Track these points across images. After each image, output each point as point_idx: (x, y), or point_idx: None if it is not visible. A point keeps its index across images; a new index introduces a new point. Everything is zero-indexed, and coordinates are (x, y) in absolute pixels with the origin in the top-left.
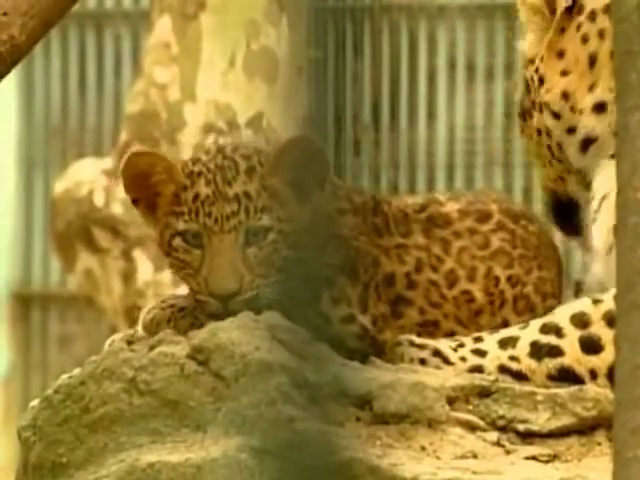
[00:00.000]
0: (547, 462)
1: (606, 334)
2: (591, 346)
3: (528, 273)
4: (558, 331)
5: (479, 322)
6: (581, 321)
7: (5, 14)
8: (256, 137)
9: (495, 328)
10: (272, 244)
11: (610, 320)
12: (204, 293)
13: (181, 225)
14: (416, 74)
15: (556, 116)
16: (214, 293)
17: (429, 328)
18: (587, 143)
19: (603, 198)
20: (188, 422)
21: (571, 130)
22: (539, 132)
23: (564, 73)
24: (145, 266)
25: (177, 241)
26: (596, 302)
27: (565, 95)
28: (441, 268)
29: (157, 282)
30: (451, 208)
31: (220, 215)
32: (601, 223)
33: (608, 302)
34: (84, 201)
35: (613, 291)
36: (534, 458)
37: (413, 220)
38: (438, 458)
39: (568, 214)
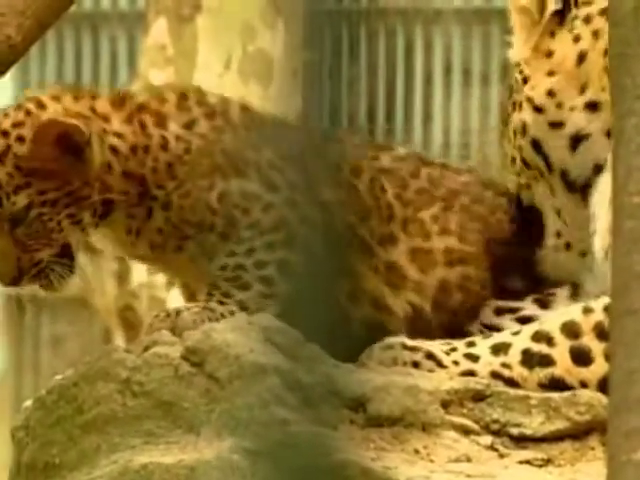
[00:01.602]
0: (541, 466)
1: (596, 347)
2: (581, 358)
3: (427, 205)
4: (549, 340)
5: (370, 225)
6: (572, 331)
7: (1, 14)
8: None
9: (383, 241)
10: (37, 217)
11: (600, 332)
12: None
13: None
14: (412, 78)
15: (538, 110)
16: None
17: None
18: (577, 140)
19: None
20: (181, 423)
21: (556, 125)
22: (515, 133)
23: (551, 73)
24: (139, 267)
25: None
26: (586, 311)
27: (551, 93)
28: None
29: (151, 284)
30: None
31: None
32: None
33: (598, 312)
34: None
35: (604, 300)
36: (528, 462)
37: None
38: (432, 461)
39: (531, 223)
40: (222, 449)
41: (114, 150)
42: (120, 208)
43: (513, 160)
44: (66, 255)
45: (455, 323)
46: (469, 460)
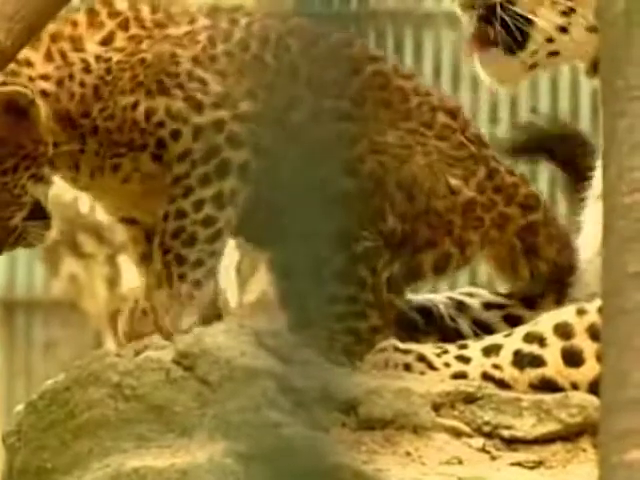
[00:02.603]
0: (532, 468)
1: (588, 347)
2: (572, 358)
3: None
4: (541, 341)
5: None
6: (564, 332)
7: None
8: None
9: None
10: (2, 188)
11: (594, 334)
12: None
13: None
14: None
15: None
16: None
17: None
18: None
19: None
20: (174, 427)
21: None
22: None
23: None
24: (130, 272)
25: None
26: (580, 313)
27: None
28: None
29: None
30: None
31: None
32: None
33: (592, 314)
34: (69, 206)
35: (598, 302)
36: (519, 464)
37: None
38: (423, 464)
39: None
40: (214, 452)
41: (44, 94)
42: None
43: None
44: (38, 212)
45: None
46: (461, 462)
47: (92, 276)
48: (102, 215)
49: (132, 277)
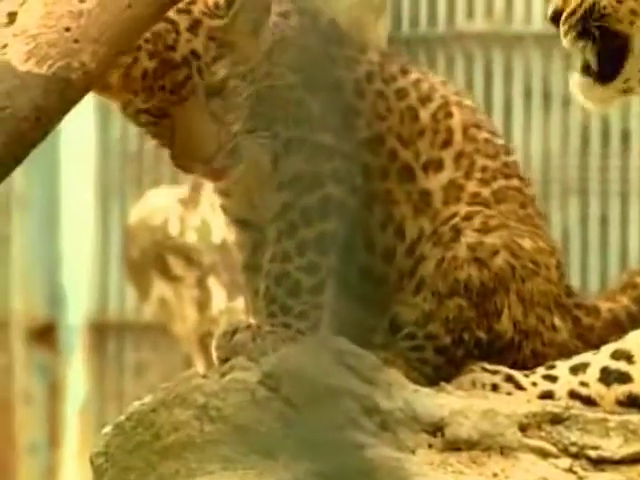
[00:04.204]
0: None
1: None
2: None
3: (487, 156)
4: (629, 358)
5: (417, 143)
6: None
7: (76, 41)
8: None
9: (427, 166)
10: (233, 90)
11: None
12: (186, 160)
13: (141, 104)
14: (491, 103)
15: None
16: (197, 160)
17: (374, 145)
18: None
19: None
20: (258, 448)
21: None
22: None
23: None
24: (219, 294)
25: (144, 117)
26: None
27: None
28: (392, 84)
29: (231, 310)
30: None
31: (173, 85)
32: None
33: None
34: (159, 229)
35: None
36: None
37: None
38: None
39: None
40: (298, 473)
41: None
42: None
43: None
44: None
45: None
46: None
47: (182, 299)
48: (191, 237)
49: (222, 299)
